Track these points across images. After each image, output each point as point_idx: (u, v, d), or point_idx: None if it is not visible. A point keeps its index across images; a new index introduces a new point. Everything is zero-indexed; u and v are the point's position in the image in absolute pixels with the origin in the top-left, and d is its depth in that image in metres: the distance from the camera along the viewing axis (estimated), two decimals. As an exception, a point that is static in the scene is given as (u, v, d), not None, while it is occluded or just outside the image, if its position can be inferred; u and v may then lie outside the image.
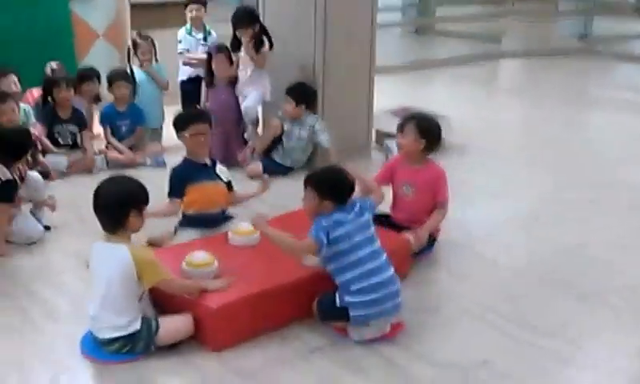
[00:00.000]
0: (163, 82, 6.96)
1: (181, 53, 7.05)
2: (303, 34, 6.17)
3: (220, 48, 6.33)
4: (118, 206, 3.39)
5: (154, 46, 6.90)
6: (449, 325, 3.77)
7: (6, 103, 5.67)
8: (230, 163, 5.86)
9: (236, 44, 6.30)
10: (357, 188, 3.83)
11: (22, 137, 4.85)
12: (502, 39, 13.94)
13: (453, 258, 4.51)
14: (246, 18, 6.21)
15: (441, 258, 4.51)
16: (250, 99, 6.23)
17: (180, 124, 4.64)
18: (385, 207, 4.57)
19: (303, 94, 6.05)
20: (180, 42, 7.08)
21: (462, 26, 15.18)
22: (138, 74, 6.78)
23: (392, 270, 3.60)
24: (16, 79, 6.33)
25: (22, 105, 6.24)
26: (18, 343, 3.57)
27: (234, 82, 6.34)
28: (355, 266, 3.50)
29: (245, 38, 6.14)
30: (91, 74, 6.72)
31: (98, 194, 3.44)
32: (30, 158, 5.23)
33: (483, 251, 4.63)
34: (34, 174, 4.95)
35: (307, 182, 3.74)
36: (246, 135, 6.42)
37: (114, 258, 3.34)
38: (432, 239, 4.49)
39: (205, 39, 7.05)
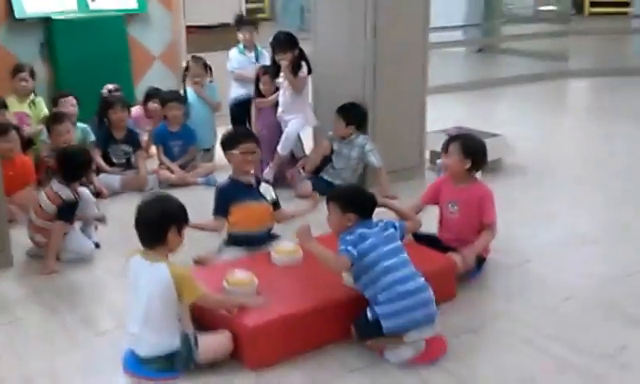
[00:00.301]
0: (214, 104, 7.12)
1: (231, 71, 7.21)
2: (354, 55, 6.20)
3: (267, 69, 6.47)
4: (158, 223, 3.48)
5: (206, 68, 7.04)
6: (493, 347, 3.73)
7: (63, 124, 5.89)
8: (280, 183, 6.00)
9: (275, 69, 6.40)
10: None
11: (83, 157, 5.02)
12: (570, 58, 13.72)
13: (501, 279, 4.46)
14: (284, 43, 6.30)
15: (489, 278, 4.46)
16: (291, 127, 6.30)
17: (228, 142, 4.70)
18: (433, 228, 4.59)
19: (354, 114, 6.08)
20: (230, 60, 7.24)
21: (527, 45, 15.02)
22: (191, 96, 6.95)
23: (422, 280, 3.60)
24: (74, 101, 6.59)
25: (80, 125, 6.48)
26: (61, 358, 3.67)
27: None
28: (381, 275, 3.54)
29: (283, 62, 6.23)
30: (155, 94, 6.97)
31: (139, 210, 3.54)
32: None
33: (534, 272, 4.56)
34: (84, 191, 5.09)
35: (329, 198, 3.86)
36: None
37: (154, 276, 3.40)
38: (481, 260, 4.46)
39: (256, 58, 7.20)
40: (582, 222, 5.49)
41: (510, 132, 7.29)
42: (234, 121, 7.11)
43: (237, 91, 7.19)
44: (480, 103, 10.38)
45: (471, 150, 4.45)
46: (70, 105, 6.59)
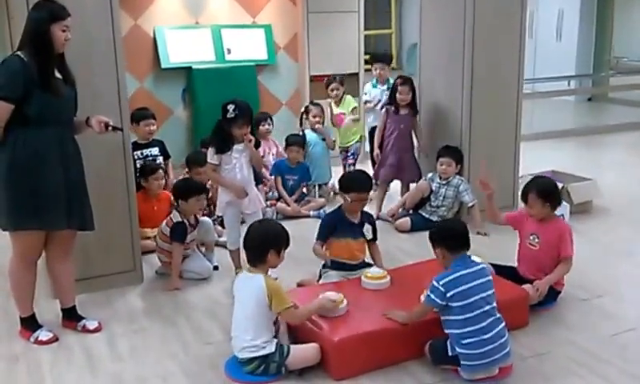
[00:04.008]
0: (331, 142, 7.32)
1: (365, 102, 7.52)
2: (453, 101, 6.34)
3: (404, 80, 6.61)
4: (260, 245, 3.75)
5: (323, 111, 7.30)
6: (558, 372, 3.75)
7: (204, 165, 6.23)
8: (401, 181, 6.71)
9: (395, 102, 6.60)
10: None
11: (191, 188, 5.22)
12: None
13: (572, 311, 4.47)
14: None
15: (561, 310, 4.48)
16: None
17: (345, 185, 4.78)
18: (510, 260, 4.66)
19: (459, 156, 6.22)
20: (365, 93, 7.57)
21: (635, 95, 14.55)
22: (309, 135, 7.21)
23: (502, 324, 3.63)
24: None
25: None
26: (172, 363, 3.95)
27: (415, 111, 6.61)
28: (468, 324, 3.54)
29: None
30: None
31: (248, 232, 3.85)
32: (206, 206, 5.74)
33: (604, 306, 4.55)
34: (205, 219, 5.41)
35: (429, 236, 3.91)
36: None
37: (251, 285, 3.68)
38: (556, 292, 4.49)
39: (388, 89, 7.30)
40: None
41: (605, 177, 7.21)
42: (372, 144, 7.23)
43: (374, 121, 7.36)
44: (583, 149, 10.23)
45: (547, 193, 4.51)
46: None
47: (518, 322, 4.11)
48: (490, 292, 3.64)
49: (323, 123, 7.34)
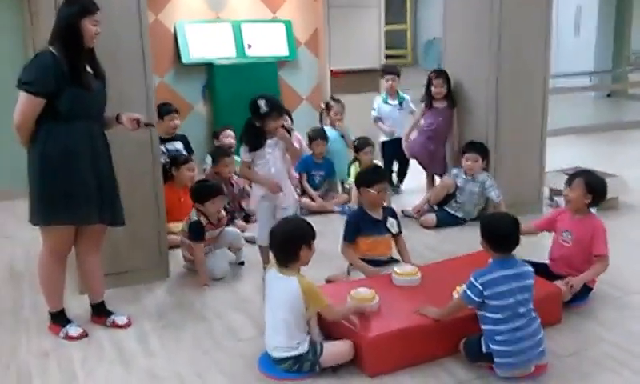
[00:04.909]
0: (350, 142, 7.20)
1: (375, 120, 7.37)
2: (479, 97, 6.31)
3: (438, 72, 6.59)
4: (292, 243, 3.68)
5: (344, 108, 7.24)
6: (593, 369, 3.70)
7: (229, 157, 6.25)
8: (430, 170, 6.81)
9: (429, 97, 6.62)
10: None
11: (207, 190, 5.19)
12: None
13: (606, 308, 4.42)
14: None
15: (594, 307, 4.43)
16: None
17: (367, 180, 4.75)
18: (542, 257, 4.61)
19: (485, 152, 6.19)
20: (374, 109, 7.39)
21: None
22: (329, 132, 7.13)
23: (537, 322, 3.59)
24: (232, 133, 6.93)
25: (236, 157, 6.77)
26: (203, 357, 3.92)
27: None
28: (503, 322, 3.49)
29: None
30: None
31: (273, 234, 3.77)
32: (227, 205, 5.72)
33: (637, 303, 4.51)
34: (230, 230, 5.39)
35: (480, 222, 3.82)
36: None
37: (286, 288, 3.62)
38: (588, 289, 4.44)
39: (400, 104, 7.34)
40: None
41: (629, 173, 7.13)
42: (385, 157, 7.32)
43: (386, 133, 7.35)
44: (604, 145, 10.17)
45: (593, 186, 4.45)
46: (228, 136, 6.96)
47: (551, 319, 4.05)
48: (527, 295, 3.56)
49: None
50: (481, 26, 6.16)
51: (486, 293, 3.50)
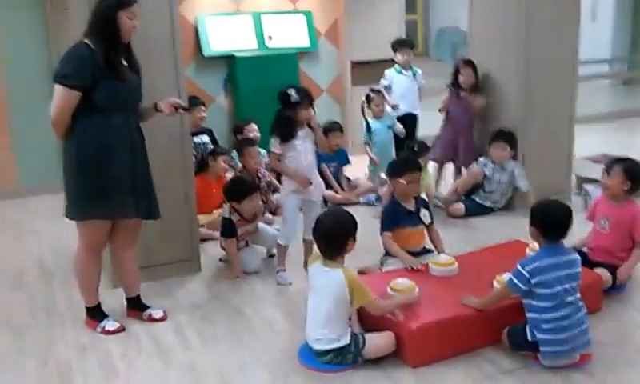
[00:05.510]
0: (400, 129, 6.96)
1: (385, 87, 7.18)
2: (507, 84, 6.25)
3: (467, 61, 6.52)
4: (340, 235, 3.65)
5: (385, 98, 7.01)
6: (637, 356, 3.66)
7: (254, 147, 6.20)
8: (456, 162, 6.69)
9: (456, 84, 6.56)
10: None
11: (240, 186, 5.16)
12: None
13: (643, 296, 4.39)
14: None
15: (632, 295, 4.39)
16: None
17: (396, 170, 4.73)
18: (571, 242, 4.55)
19: (514, 140, 6.13)
20: (385, 78, 7.24)
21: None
22: (373, 124, 6.85)
23: (584, 310, 3.54)
24: (256, 127, 6.86)
25: (262, 151, 6.69)
26: (242, 350, 3.89)
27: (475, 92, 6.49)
28: (550, 310, 3.45)
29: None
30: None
31: (319, 225, 3.71)
32: (263, 198, 5.68)
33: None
34: (272, 232, 5.32)
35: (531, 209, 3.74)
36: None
37: (331, 280, 3.57)
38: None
39: (414, 75, 7.25)
40: None
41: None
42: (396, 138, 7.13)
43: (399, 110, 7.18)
44: (621, 133, 10.09)
45: (632, 173, 4.40)
46: (253, 131, 6.83)
47: (591, 306, 3.96)
48: (575, 284, 3.52)
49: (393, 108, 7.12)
50: (508, 13, 6.09)
51: (533, 280, 3.45)
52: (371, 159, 6.80)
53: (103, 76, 3.77)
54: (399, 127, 6.90)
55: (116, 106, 3.86)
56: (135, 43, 4.06)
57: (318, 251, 3.75)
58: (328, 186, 6.68)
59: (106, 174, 3.86)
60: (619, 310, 4.18)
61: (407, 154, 5.89)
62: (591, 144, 7.79)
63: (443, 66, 6.69)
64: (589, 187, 6.27)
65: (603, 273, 4.21)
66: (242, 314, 4.38)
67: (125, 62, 3.92)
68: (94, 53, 3.76)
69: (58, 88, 3.75)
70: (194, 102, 6.36)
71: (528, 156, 6.18)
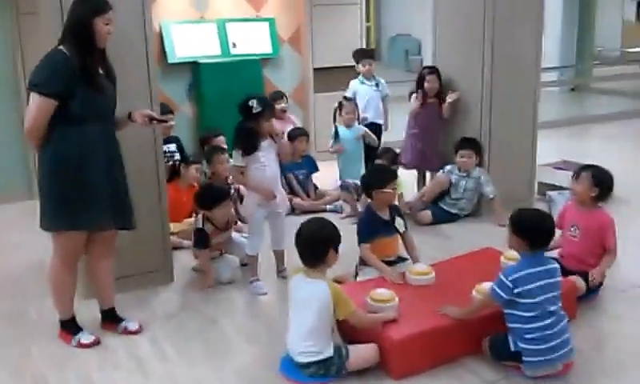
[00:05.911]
0: (373, 139, 6.77)
1: (347, 98, 6.96)
2: (470, 90, 6.28)
3: (432, 69, 6.52)
4: (321, 244, 3.59)
5: (357, 106, 6.87)
6: (614, 363, 3.70)
7: (224, 154, 6.09)
8: (424, 169, 6.74)
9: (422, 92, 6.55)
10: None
11: (212, 194, 5.07)
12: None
13: (615, 303, 4.44)
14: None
15: (603, 302, 4.45)
16: None
17: (378, 180, 4.60)
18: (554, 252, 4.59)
19: (479, 147, 6.17)
20: (350, 89, 7.16)
21: (618, 85, 14.68)
22: (343, 132, 6.64)
23: (566, 320, 3.56)
24: (224, 139, 6.65)
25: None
26: (223, 363, 3.82)
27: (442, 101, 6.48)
28: (533, 320, 3.45)
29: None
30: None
31: (301, 232, 3.64)
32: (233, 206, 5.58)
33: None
34: (239, 238, 5.27)
35: (510, 218, 3.71)
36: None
37: (316, 292, 3.52)
38: (599, 284, 4.44)
39: (377, 85, 7.19)
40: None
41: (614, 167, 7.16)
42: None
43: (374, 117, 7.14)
44: (573, 139, 10.27)
45: (599, 180, 4.45)
46: (221, 143, 6.60)
47: (567, 314, 4.03)
48: (557, 292, 3.54)
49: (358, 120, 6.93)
50: (473, 21, 6.12)
51: (516, 290, 3.46)
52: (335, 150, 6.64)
53: (79, 84, 3.66)
54: (372, 136, 6.74)
55: (93, 116, 3.75)
56: (109, 49, 3.95)
57: (299, 264, 3.69)
58: (293, 193, 6.66)
59: (83, 185, 3.75)
60: (593, 317, 4.23)
61: (381, 163, 5.89)
62: (547, 150, 7.87)
63: (396, 73, 6.59)
64: (552, 194, 6.34)
65: (578, 280, 4.25)
66: (217, 324, 4.30)
67: (101, 70, 3.82)
68: (69, 59, 3.65)
69: (33, 96, 3.64)
70: (162, 109, 6.20)
71: (492, 163, 6.22)
